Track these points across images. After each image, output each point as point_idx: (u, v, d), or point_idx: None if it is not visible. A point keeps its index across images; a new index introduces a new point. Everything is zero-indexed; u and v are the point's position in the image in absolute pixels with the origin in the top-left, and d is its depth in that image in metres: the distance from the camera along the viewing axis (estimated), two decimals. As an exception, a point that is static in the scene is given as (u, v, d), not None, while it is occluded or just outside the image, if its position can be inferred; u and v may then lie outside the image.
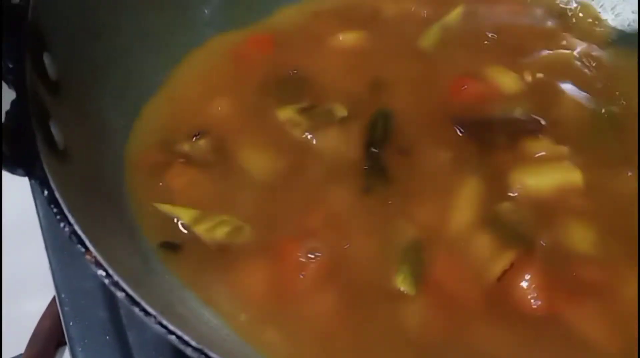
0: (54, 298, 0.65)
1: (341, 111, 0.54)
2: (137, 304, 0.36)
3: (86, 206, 0.43)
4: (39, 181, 0.38)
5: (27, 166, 0.39)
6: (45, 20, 0.45)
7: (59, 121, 0.44)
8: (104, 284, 0.37)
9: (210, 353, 0.34)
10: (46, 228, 0.56)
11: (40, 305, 0.74)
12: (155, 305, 0.39)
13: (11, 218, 0.60)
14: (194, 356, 0.34)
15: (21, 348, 0.72)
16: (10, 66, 0.42)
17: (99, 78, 0.51)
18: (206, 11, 0.61)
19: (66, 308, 0.55)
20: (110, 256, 0.39)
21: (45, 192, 0.38)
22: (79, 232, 0.37)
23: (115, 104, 0.53)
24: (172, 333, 0.35)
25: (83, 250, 0.37)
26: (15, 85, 0.42)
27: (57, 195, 0.38)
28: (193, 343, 0.35)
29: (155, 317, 0.35)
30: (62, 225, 0.37)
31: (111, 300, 0.53)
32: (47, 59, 0.45)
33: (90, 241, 0.37)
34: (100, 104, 0.51)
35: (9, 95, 0.42)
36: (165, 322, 0.35)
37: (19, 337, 0.72)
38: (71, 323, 0.54)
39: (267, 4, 0.63)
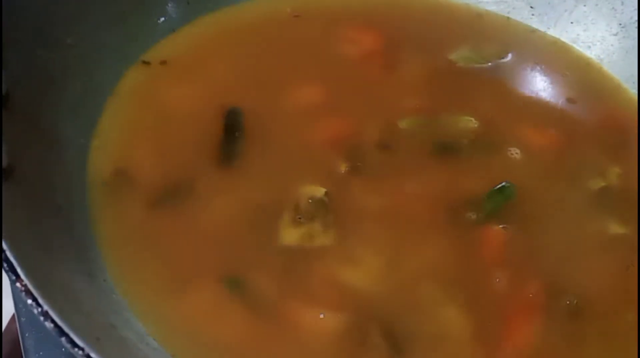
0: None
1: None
2: (66, 335, 0.35)
3: (29, 227, 0.42)
4: (-28, 204, 0.38)
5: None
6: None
7: (7, 136, 0.44)
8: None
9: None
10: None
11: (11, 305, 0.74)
12: (93, 330, 0.39)
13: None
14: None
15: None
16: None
17: (53, 90, 0.50)
18: (162, 19, 0.60)
19: (23, 319, 0.54)
20: (48, 281, 0.38)
21: (-22, 215, 0.37)
22: (11, 259, 0.36)
23: (72, 118, 0.52)
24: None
25: (14, 277, 0.36)
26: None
27: (-9, 219, 0.37)
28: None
29: (83, 350, 0.35)
30: (-6, 250, 0.36)
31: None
32: (-6, 71, 0.44)
33: (23, 268, 0.37)
34: (55, 118, 0.50)
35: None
36: (93, 355, 0.35)
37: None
38: (27, 335, 0.54)
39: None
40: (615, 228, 0.52)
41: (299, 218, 0.50)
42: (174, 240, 0.49)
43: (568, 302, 0.48)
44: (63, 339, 0.35)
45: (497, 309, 0.47)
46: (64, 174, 0.49)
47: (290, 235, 0.50)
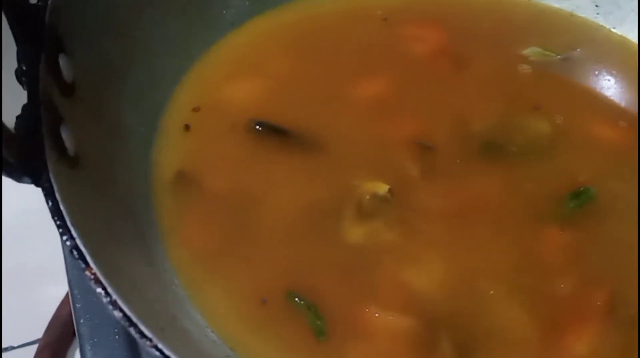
0: (72, 288, 0.65)
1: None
2: (134, 325, 0.35)
3: (95, 215, 0.42)
4: (44, 191, 0.38)
5: (33, 174, 0.38)
6: (64, 21, 0.45)
7: (72, 125, 0.44)
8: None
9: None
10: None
11: (61, 291, 0.75)
12: (157, 320, 0.39)
13: (35, 203, 0.61)
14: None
15: (39, 334, 0.73)
16: (24, 68, 0.41)
17: (116, 80, 0.51)
18: (225, 12, 0.60)
19: (78, 305, 0.55)
20: (114, 270, 0.38)
21: (50, 203, 0.37)
22: (81, 247, 0.37)
23: (134, 107, 0.52)
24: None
25: (83, 265, 0.36)
26: (29, 88, 0.41)
27: (62, 207, 0.37)
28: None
29: (151, 340, 0.35)
30: (64, 238, 0.36)
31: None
32: (62, 60, 0.44)
33: (92, 256, 0.37)
34: (118, 107, 0.50)
35: (21, 98, 0.41)
36: (161, 346, 0.34)
37: (37, 322, 0.73)
38: (82, 321, 0.54)
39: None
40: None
41: (362, 215, 0.49)
42: (237, 238, 0.49)
43: (631, 312, 0.46)
44: (132, 329, 0.35)
45: (561, 315, 0.46)
46: (128, 165, 0.50)
47: (353, 233, 0.49)
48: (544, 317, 0.46)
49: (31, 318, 0.72)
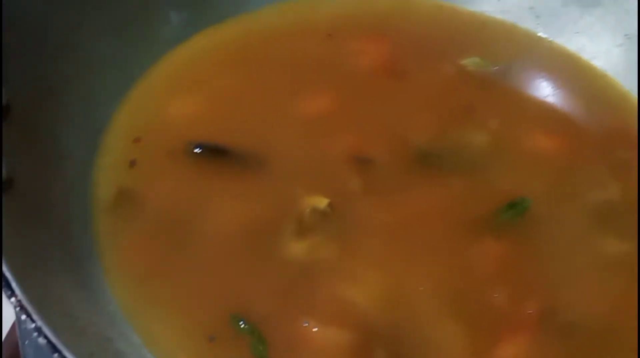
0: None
1: None
2: (59, 352, 0.35)
3: (26, 240, 0.42)
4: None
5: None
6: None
7: (6, 147, 0.44)
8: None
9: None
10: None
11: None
12: (88, 345, 0.39)
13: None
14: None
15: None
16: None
17: (53, 101, 0.51)
18: (164, 30, 0.60)
19: (23, 327, 0.55)
20: (43, 295, 0.39)
21: (-25, 228, 0.38)
22: (6, 274, 0.37)
23: (73, 129, 0.52)
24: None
25: (9, 292, 0.36)
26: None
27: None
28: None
29: (75, 366, 0.35)
30: (-10, 265, 0.37)
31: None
32: (-6, 80, 0.44)
33: (19, 282, 0.37)
34: (55, 129, 0.50)
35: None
36: (86, 371, 0.35)
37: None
38: (27, 342, 0.54)
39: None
40: (615, 245, 0.51)
41: (302, 230, 0.50)
42: (175, 256, 0.49)
43: (563, 321, 0.47)
44: (56, 355, 0.35)
45: (495, 324, 0.47)
46: (66, 186, 0.50)
47: (293, 249, 0.49)
48: (477, 326, 0.47)
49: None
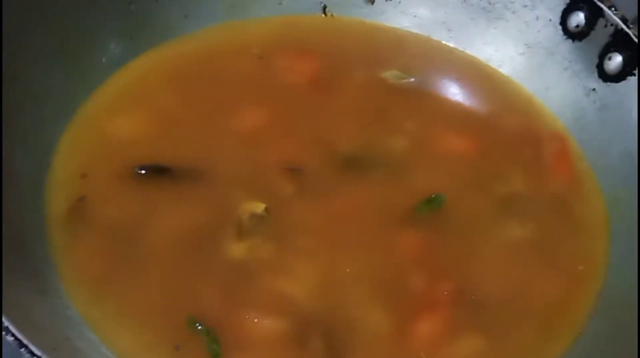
0: None
1: None
2: (25, 347, 0.40)
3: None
4: None
5: None
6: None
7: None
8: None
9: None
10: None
11: None
12: (49, 342, 0.44)
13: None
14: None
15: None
16: None
17: (5, 123, 0.54)
18: (104, 55, 0.65)
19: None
20: (8, 302, 0.43)
21: None
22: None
23: (23, 150, 0.56)
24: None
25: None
26: None
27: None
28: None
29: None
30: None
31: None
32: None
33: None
34: (5, 150, 0.54)
35: None
36: (50, 362, 0.40)
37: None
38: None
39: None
40: (518, 231, 0.58)
41: (241, 233, 0.55)
42: (126, 265, 0.54)
43: (474, 299, 0.54)
44: (23, 350, 0.40)
45: (414, 305, 0.53)
46: (18, 204, 0.53)
47: (234, 250, 0.55)
48: (399, 307, 0.53)
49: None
